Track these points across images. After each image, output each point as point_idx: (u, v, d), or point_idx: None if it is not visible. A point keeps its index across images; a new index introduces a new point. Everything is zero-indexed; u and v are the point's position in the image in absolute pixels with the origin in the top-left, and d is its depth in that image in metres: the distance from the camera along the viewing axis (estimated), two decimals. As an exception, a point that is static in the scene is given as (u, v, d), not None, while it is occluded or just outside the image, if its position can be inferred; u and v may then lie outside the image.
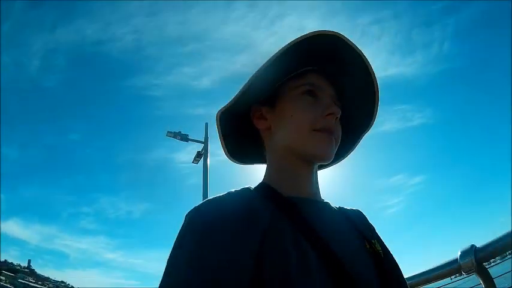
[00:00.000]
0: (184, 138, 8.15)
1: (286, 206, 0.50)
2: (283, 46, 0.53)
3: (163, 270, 0.43)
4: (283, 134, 0.59)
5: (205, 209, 0.47)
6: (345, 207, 0.64)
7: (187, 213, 0.48)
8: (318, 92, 0.58)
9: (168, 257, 0.44)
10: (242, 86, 0.58)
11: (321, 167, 0.66)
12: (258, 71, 0.55)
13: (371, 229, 0.63)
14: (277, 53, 0.53)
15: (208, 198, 0.49)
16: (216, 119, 0.62)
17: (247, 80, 0.57)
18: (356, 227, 0.58)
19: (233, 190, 0.52)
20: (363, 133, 0.68)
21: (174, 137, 8.15)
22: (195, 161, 8.42)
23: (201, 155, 8.08)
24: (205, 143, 8.04)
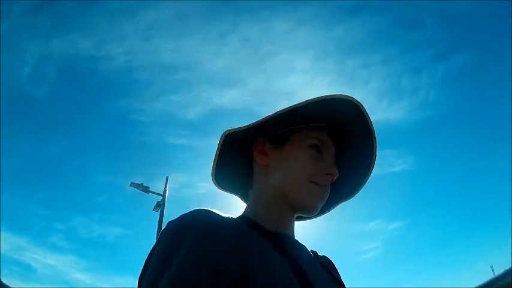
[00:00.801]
0: (146, 190, 9.26)
1: (272, 237, 0.52)
2: (311, 98, 0.55)
3: (154, 270, 0.41)
4: (280, 176, 0.60)
5: (202, 215, 0.47)
6: (316, 251, 0.66)
7: (179, 219, 0.47)
8: (323, 149, 0.61)
9: (156, 258, 0.43)
10: (262, 118, 0.59)
11: (299, 218, 0.67)
12: (282, 110, 0.57)
13: (338, 272, 0.67)
14: (306, 101, 0.55)
15: (200, 209, 0.48)
16: (221, 138, 0.62)
17: (269, 114, 0.58)
18: (327, 267, 0.62)
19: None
20: (346, 198, 0.70)
21: (137, 187, 9.27)
22: (155, 209, 9.53)
23: (159, 206, 9.28)
24: (163, 196, 9.22)
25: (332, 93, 0.56)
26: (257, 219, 0.56)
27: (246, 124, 0.60)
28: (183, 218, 0.47)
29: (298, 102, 0.56)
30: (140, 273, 0.46)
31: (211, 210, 0.48)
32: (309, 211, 0.60)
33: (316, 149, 0.60)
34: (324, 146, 0.61)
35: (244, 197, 0.70)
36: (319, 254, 0.66)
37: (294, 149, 0.61)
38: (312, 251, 0.64)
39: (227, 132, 0.61)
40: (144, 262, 0.46)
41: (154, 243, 0.47)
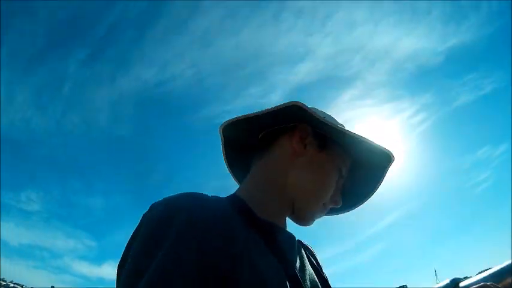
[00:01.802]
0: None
1: (263, 228, 0.50)
2: (364, 136, 0.55)
3: (135, 263, 0.38)
4: (305, 179, 0.57)
5: (187, 203, 0.43)
6: (301, 241, 0.66)
7: (162, 206, 0.44)
8: (343, 174, 0.61)
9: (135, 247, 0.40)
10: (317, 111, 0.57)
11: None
12: (337, 126, 0.56)
13: (319, 264, 0.66)
14: (360, 136, 0.55)
15: (185, 193, 0.45)
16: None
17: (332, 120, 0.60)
18: (314, 262, 0.63)
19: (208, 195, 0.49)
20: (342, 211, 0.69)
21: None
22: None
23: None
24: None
25: (377, 142, 0.57)
26: (251, 203, 0.53)
27: (314, 110, 0.56)
28: (168, 205, 0.43)
29: (355, 132, 0.55)
30: (120, 260, 0.43)
31: (198, 195, 0.46)
32: (302, 225, 0.60)
33: (340, 172, 0.61)
34: (345, 172, 0.62)
35: (238, 172, 0.69)
36: (303, 244, 0.66)
37: (329, 163, 0.59)
38: (298, 241, 0.62)
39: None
40: (125, 248, 0.43)
41: (136, 226, 0.44)
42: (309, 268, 0.57)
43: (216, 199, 0.50)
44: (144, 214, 0.45)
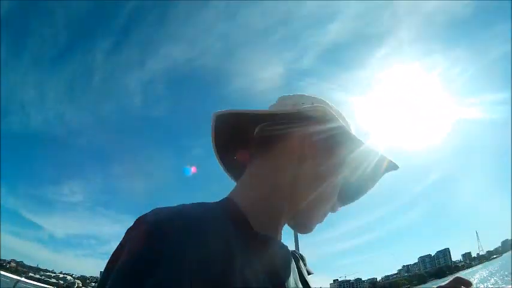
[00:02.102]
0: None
1: (258, 245, 0.45)
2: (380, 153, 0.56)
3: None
4: (309, 185, 0.52)
5: (177, 223, 0.37)
6: (294, 251, 0.62)
7: (149, 224, 0.38)
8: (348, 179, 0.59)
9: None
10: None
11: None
12: (355, 138, 0.53)
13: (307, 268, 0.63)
14: (377, 152, 0.55)
15: (176, 210, 0.40)
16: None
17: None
18: (300, 266, 0.59)
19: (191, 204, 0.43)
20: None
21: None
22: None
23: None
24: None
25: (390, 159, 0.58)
26: (248, 213, 0.48)
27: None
28: (156, 226, 0.37)
29: (369, 145, 0.55)
30: (109, 261, 0.38)
31: (187, 212, 0.40)
32: (302, 233, 0.57)
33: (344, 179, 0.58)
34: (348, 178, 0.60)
35: (233, 169, 0.63)
36: (296, 254, 0.61)
37: (338, 169, 0.55)
38: (291, 252, 0.58)
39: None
40: (108, 262, 0.38)
41: (121, 240, 0.39)
42: (299, 284, 0.53)
43: (209, 213, 0.43)
44: (129, 229, 0.40)
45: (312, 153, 0.53)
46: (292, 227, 0.56)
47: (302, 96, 0.59)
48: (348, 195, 0.63)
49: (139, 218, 0.40)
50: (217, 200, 0.51)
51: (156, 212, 0.40)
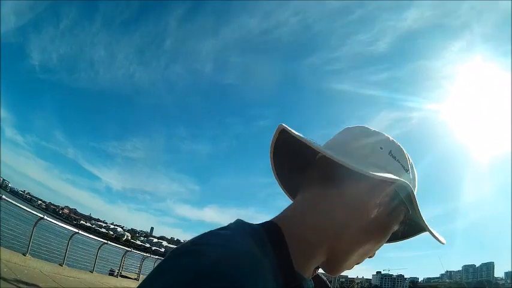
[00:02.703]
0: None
1: (292, 283, 0.43)
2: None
3: None
4: (363, 230, 0.50)
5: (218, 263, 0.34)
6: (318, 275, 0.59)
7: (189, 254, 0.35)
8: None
9: None
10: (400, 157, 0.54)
11: None
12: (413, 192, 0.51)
13: None
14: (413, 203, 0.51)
15: (219, 247, 0.36)
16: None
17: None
18: None
19: (242, 235, 0.41)
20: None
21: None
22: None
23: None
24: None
25: None
26: (293, 249, 0.45)
27: None
28: (200, 264, 0.33)
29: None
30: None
31: (233, 251, 0.37)
32: (328, 273, 0.55)
33: None
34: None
35: (291, 189, 0.63)
36: (321, 281, 0.60)
37: (396, 221, 0.54)
38: (316, 276, 0.56)
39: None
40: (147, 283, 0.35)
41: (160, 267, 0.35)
42: None
43: (252, 242, 0.41)
44: (168, 258, 0.36)
45: (374, 206, 0.51)
46: (321, 265, 0.54)
47: (380, 139, 0.56)
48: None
49: (179, 251, 0.37)
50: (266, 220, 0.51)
51: (202, 250, 0.36)
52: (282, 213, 0.53)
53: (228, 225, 0.46)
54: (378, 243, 0.54)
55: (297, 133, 0.52)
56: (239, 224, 0.46)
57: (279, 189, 0.64)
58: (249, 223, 0.47)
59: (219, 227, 0.45)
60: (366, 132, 0.57)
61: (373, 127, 0.58)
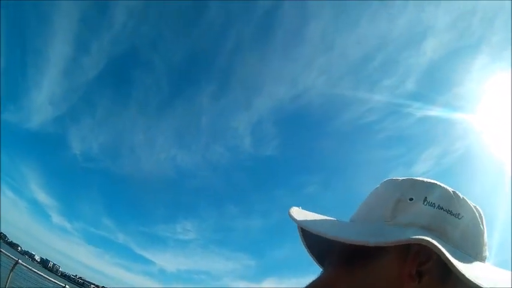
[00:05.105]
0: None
1: None
2: None
3: None
4: None
5: None
6: None
7: None
8: None
9: None
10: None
11: None
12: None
13: None
14: None
15: None
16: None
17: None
18: None
19: None
20: None
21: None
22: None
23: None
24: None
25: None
26: None
27: None
28: None
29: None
30: None
31: None
32: None
33: None
34: None
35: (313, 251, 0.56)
36: None
37: None
38: None
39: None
40: None
41: None
42: None
43: None
44: None
45: (413, 276, 0.40)
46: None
47: (409, 188, 0.45)
48: None
49: None
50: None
51: None
52: (313, 282, 0.48)
53: None
54: None
55: (300, 219, 0.48)
56: None
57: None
58: None
59: None
60: (391, 186, 0.47)
61: (401, 176, 0.47)
